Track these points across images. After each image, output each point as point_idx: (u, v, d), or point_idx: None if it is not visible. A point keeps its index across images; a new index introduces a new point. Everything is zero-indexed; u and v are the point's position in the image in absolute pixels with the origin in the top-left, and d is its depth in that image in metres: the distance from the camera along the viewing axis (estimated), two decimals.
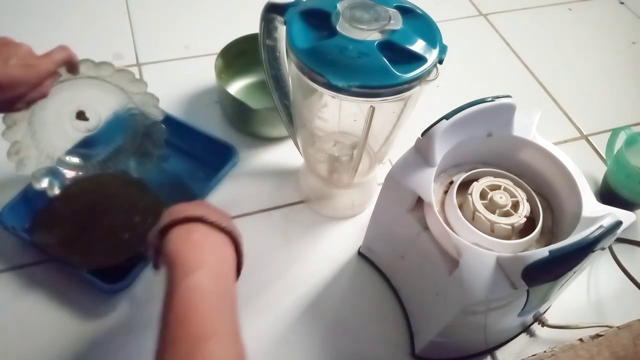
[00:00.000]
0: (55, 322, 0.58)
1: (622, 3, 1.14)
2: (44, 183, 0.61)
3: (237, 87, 0.82)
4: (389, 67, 0.47)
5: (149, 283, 0.61)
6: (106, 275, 0.58)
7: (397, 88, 0.49)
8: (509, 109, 0.53)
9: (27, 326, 0.57)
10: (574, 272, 0.49)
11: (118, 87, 0.63)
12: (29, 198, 0.63)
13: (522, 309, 0.51)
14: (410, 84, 0.49)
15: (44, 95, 0.52)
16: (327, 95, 0.50)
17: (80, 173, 0.65)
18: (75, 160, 0.65)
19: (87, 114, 0.63)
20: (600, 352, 0.53)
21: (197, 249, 0.43)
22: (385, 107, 0.54)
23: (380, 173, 0.70)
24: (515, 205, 0.50)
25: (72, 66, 0.54)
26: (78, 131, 0.64)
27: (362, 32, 0.49)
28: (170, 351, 0.37)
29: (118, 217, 0.63)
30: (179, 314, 0.39)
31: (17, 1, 0.93)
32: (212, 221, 0.45)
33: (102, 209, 0.64)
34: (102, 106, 0.64)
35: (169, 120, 0.74)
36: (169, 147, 0.74)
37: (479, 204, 0.50)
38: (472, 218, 0.50)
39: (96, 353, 0.56)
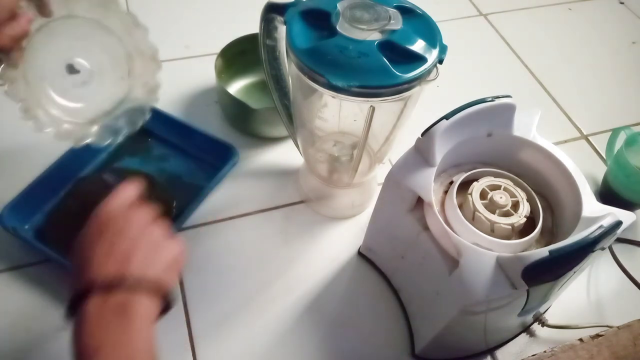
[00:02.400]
0: (56, 322, 0.58)
1: (622, 3, 1.14)
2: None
3: (237, 87, 0.82)
4: (389, 67, 0.47)
5: None
6: None
7: (397, 88, 0.49)
8: (509, 109, 0.53)
9: (27, 326, 0.57)
10: (574, 272, 0.49)
11: (113, 34, 0.61)
12: (30, 198, 0.63)
13: (522, 309, 0.51)
14: (410, 84, 0.49)
15: (24, 31, 0.47)
16: (327, 95, 0.50)
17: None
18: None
19: (77, 66, 0.60)
20: (600, 352, 0.53)
21: (91, 333, 0.37)
22: (385, 107, 0.54)
23: (380, 173, 0.69)
24: (515, 205, 0.50)
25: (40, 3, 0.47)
26: (74, 86, 0.61)
27: (362, 32, 0.49)
28: None
29: None
30: None
31: None
32: (101, 285, 0.38)
33: None
34: (94, 54, 0.61)
35: (169, 120, 0.74)
36: (169, 147, 0.74)
37: (479, 204, 0.50)
38: (472, 218, 0.50)
39: None
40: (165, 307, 0.41)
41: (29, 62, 0.56)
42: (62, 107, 0.59)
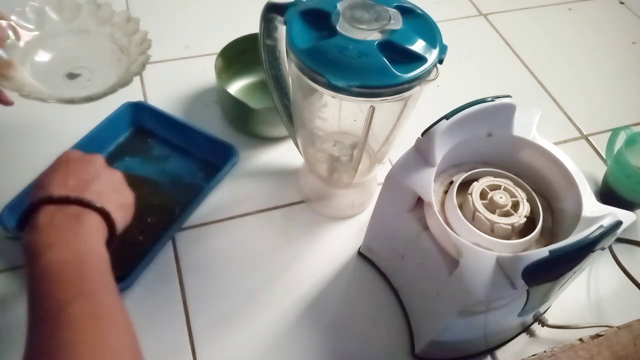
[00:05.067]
0: None
1: (622, 3, 1.14)
2: None
3: (237, 87, 0.82)
4: (389, 67, 0.47)
5: (151, 283, 0.61)
6: None
7: (397, 88, 0.49)
8: (509, 109, 0.53)
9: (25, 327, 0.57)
10: (574, 272, 0.49)
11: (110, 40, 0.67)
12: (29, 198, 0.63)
13: (522, 309, 0.51)
14: (410, 84, 0.49)
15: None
16: (327, 95, 0.50)
17: None
18: None
19: (77, 71, 0.66)
20: (600, 352, 0.53)
21: (43, 232, 0.40)
22: (385, 107, 0.54)
23: (380, 173, 0.70)
24: (515, 205, 0.50)
25: None
26: (80, 86, 0.66)
27: (362, 32, 0.49)
28: (36, 328, 0.36)
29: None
30: (38, 294, 0.37)
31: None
32: (57, 198, 0.42)
33: None
34: (93, 61, 0.67)
35: (169, 120, 0.74)
36: (169, 147, 0.74)
37: (479, 204, 0.50)
38: (472, 218, 0.50)
39: None
40: (110, 239, 0.44)
41: (26, 79, 0.59)
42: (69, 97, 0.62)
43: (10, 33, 0.64)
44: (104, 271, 0.41)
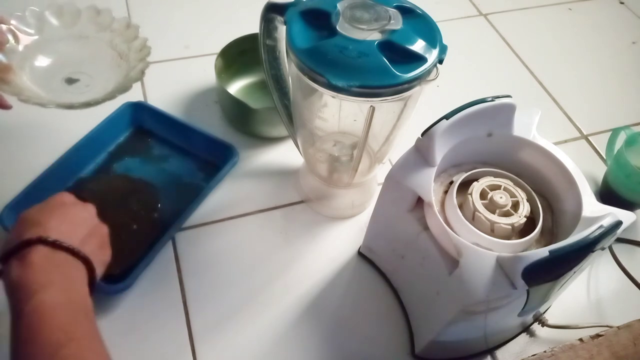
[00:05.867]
0: None
1: (622, 3, 1.14)
2: None
3: (237, 87, 0.82)
4: (389, 67, 0.47)
5: (150, 283, 0.61)
6: (107, 276, 0.58)
7: (397, 88, 0.49)
8: (509, 109, 0.53)
9: None
10: (574, 272, 0.49)
11: (109, 45, 0.68)
12: (30, 199, 0.63)
13: (522, 309, 0.51)
14: (410, 84, 0.49)
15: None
16: (327, 95, 0.50)
17: None
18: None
19: (76, 76, 0.66)
20: (600, 352, 0.53)
21: (38, 271, 0.41)
22: (385, 107, 0.54)
23: (380, 173, 0.70)
24: (515, 205, 0.50)
25: None
26: (79, 91, 0.67)
27: (362, 32, 0.49)
28: None
29: (125, 216, 0.63)
30: (27, 336, 0.38)
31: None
32: (52, 241, 0.43)
33: (111, 210, 0.64)
34: (92, 66, 0.68)
35: (169, 120, 0.74)
36: (169, 147, 0.74)
37: (479, 204, 0.50)
38: (472, 218, 0.50)
39: None
40: (91, 281, 0.46)
41: (25, 85, 0.59)
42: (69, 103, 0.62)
43: (10, 37, 0.64)
44: (91, 318, 0.42)
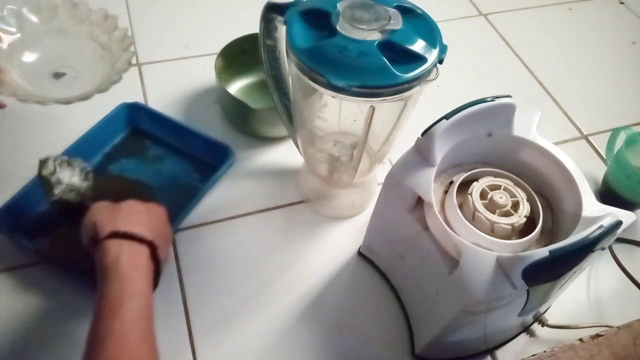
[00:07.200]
0: (51, 323, 0.58)
1: (622, 3, 1.14)
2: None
3: (237, 87, 0.82)
4: (389, 67, 0.47)
5: None
6: None
7: (397, 88, 0.49)
8: (509, 109, 0.53)
9: (22, 327, 0.57)
10: (574, 272, 0.49)
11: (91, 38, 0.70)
12: (25, 201, 0.63)
13: (522, 309, 0.51)
14: (410, 84, 0.49)
15: None
16: (327, 95, 0.50)
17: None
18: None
19: (62, 70, 0.68)
20: (600, 352, 0.53)
21: (141, 274, 0.47)
22: (385, 107, 0.54)
23: (380, 173, 0.70)
24: (515, 205, 0.50)
25: None
26: (67, 84, 0.69)
27: (362, 32, 0.49)
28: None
29: None
30: (118, 333, 0.43)
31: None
32: (148, 240, 0.49)
33: None
34: (76, 59, 0.70)
35: (165, 121, 0.74)
36: (165, 148, 0.74)
37: (479, 204, 0.50)
38: (472, 218, 0.50)
39: None
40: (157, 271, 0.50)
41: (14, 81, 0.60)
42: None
43: None
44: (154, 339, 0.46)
